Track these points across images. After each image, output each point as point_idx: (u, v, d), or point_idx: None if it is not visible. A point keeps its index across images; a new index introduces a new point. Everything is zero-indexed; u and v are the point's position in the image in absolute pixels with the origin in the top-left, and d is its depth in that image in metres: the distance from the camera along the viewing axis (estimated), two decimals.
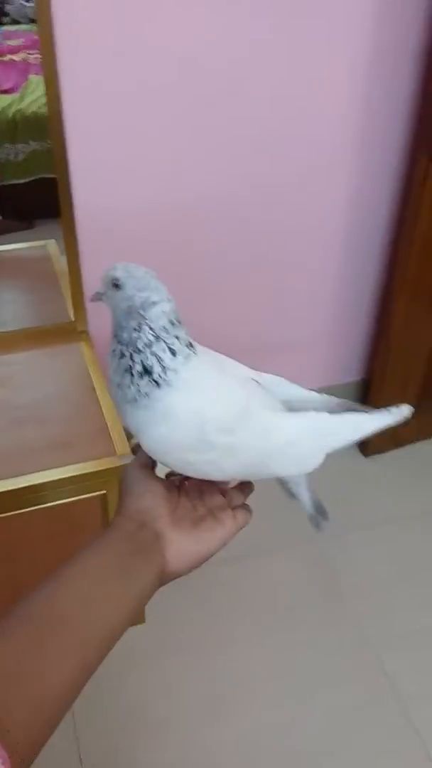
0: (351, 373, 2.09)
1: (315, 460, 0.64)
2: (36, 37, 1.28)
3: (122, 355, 0.57)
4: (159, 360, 0.56)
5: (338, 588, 1.70)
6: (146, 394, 0.56)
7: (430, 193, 1.58)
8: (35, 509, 1.27)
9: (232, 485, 0.67)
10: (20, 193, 1.60)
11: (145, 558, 0.58)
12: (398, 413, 0.64)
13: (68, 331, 1.57)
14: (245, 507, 0.66)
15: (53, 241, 1.63)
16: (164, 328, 0.56)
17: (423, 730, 1.44)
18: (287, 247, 1.74)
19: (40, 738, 0.49)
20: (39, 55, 1.30)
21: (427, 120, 1.58)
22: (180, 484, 0.65)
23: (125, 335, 0.57)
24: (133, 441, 0.68)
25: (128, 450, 1.31)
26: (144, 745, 1.40)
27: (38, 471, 1.26)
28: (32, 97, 1.53)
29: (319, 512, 0.76)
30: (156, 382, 0.56)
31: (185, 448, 0.58)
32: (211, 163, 1.54)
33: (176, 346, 0.56)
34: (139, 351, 0.56)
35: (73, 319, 1.57)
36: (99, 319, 1.62)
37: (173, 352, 0.56)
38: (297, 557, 1.77)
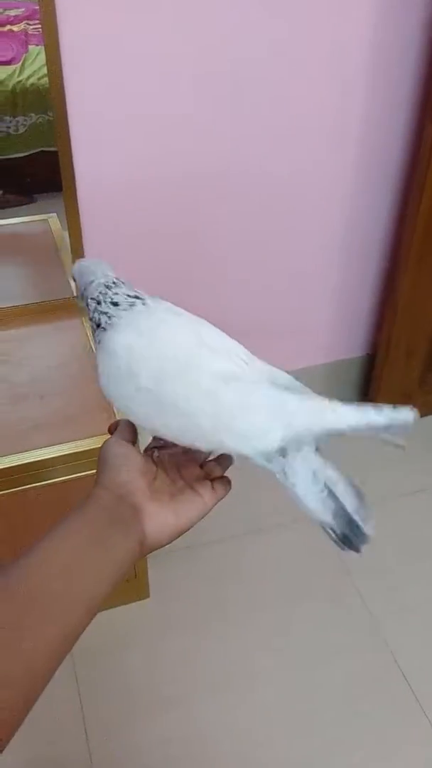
0: (356, 348, 2.07)
1: (268, 437, 0.58)
2: (36, 6, 1.26)
3: (93, 328, 0.66)
4: (103, 314, 0.65)
5: (344, 564, 1.70)
6: (99, 341, 0.64)
7: None
8: (37, 486, 1.27)
9: (210, 458, 0.67)
10: (21, 166, 1.58)
11: (124, 529, 0.59)
12: (395, 414, 0.59)
13: (69, 306, 1.55)
14: (224, 479, 0.66)
15: (54, 215, 1.61)
16: (101, 292, 0.66)
17: (426, 704, 1.44)
18: (289, 219, 1.71)
19: (19, 715, 0.50)
20: (39, 26, 1.27)
21: None
22: (157, 460, 0.66)
23: (88, 312, 0.67)
24: (116, 422, 0.68)
25: None
26: (149, 722, 1.41)
27: (40, 448, 1.25)
28: (32, 69, 1.51)
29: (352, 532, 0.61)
30: (103, 329, 0.64)
31: (123, 383, 0.62)
32: (215, 136, 1.51)
33: (118, 298, 0.65)
34: (92, 318, 0.66)
35: (74, 294, 1.56)
36: None
37: (115, 304, 0.65)
38: (301, 533, 1.76)
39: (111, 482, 0.61)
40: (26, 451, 1.24)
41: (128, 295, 0.66)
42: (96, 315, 0.65)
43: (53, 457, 1.24)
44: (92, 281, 0.67)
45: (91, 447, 1.26)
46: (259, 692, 1.46)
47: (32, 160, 1.57)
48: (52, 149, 1.42)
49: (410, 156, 1.70)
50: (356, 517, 0.59)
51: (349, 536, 0.59)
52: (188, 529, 0.63)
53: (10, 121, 1.54)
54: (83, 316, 1.55)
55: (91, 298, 0.66)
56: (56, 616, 0.53)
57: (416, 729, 1.41)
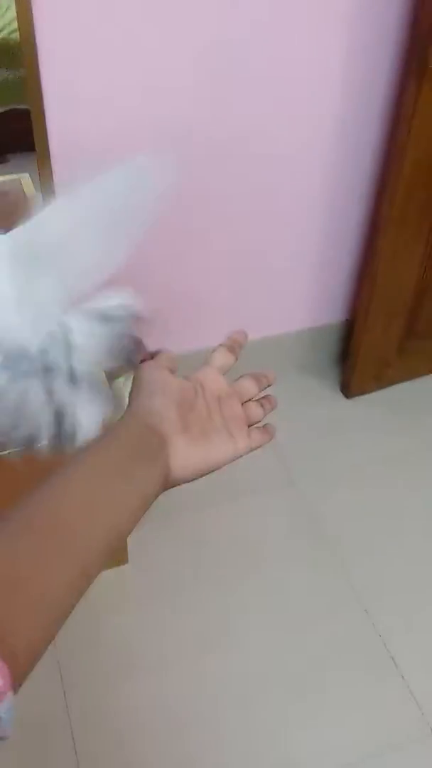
0: (335, 313, 2.06)
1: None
2: None
3: None
4: None
5: (321, 530, 1.71)
6: None
7: (419, 121, 1.52)
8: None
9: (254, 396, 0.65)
10: None
11: (149, 463, 0.57)
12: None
13: None
14: (264, 428, 0.64)
15: (27, 175, 1.57)
16: None
17: (404, 668, 1.47)
18: (269, 178, 1.68)
19: (40, 646, 0.48)
20: None
21: (417, 41, 1.50)
22: (200, 387, 0.63)
23: None
24: (156, 351, 0.64)
25: (122, 393, 1.28)
26: (126, 686, 1.43)
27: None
28: (2, 22, 1.45)
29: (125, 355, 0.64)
30: None
31: None
32: (194, 86, 1.47)
33: None
34: None
35: None
36: None
37: None
38: (280, 499, 1.77)
39: (142, 409, 0.59)
40: None
41: None
42: None
43: None
44: None
45: None
46: (236, 657, 1.48)
47: (4, 119, 1.52)
48: (23, 107, 1.38)
49: (391, 116, 1.67)
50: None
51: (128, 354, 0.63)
52: (214, 470, 0.61)
53: None
54: None
55: None
56: (76, 551, 0.51)
57: (391, 687, 1.44)
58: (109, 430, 0.58)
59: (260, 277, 1.87)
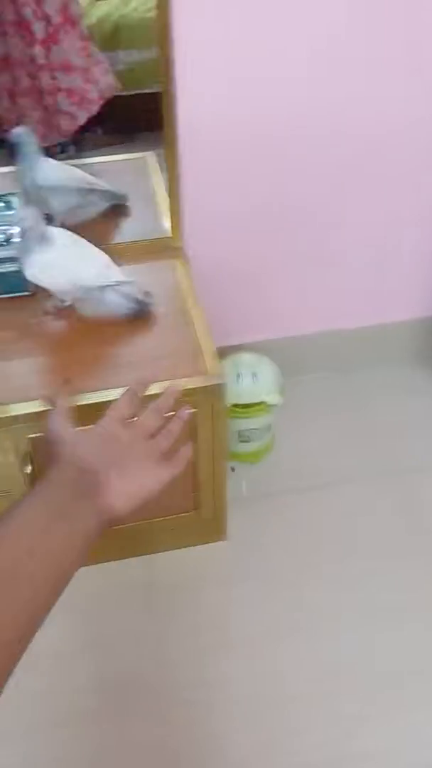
0: None
1: (90, 279, 1.34)
2: None
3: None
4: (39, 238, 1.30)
5: (423, 521, 1.67)
6: (31, 254, 1.31)
7: None
8: None
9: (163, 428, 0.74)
10: (119, 106, 1.57)
11: (87, 501, 0.61)
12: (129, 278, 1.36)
13: (163, 247, 1.55)
14: (178, 455, 0.71)
15: (152, 153, 1.60)
16: (29, 234, 1.29)
17: None
18: (390, 164, 1.63)
19: None
20: None
21: None
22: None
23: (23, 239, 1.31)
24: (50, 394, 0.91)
25: (219, 370, 1.30)
26: (216, 659, 1.45)
27: (128, 386, 1.26)
28: (138, 1, 1.48)
29: (141, 308, 1.37)
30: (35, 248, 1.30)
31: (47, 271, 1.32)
32: (323, 81, 1.45)
33: (34, 236, 1.29)
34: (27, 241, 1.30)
35: (170, 235, 1.55)
36: (196, 236, 1.60)
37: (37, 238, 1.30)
38: (383, 488, 1.74)
39: (71, 455, 0.64)
40: (114, 388, 1.26)
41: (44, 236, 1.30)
42: (31, 241, 1.28)
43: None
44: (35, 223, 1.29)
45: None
46: (326, 642, 1.47)
47: (130, 100, 1.55)
48: (150, 90, 1.40)
49: None
50: (139, 297, 1.37)
51: (141, 308, 1.37)
52: (148, 498, 0.66)
53: (112, 57, 1.52)
54: (178, 258, 1.54)
55: (25, 234, 1.28)
56: (23, 597, 0.53)
57: None
58: (43, 479, 0.62)
59: (372, 262, 1.83)
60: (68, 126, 1.52)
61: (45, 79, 1.46)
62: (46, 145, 1.48)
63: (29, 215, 1.29)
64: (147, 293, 1.39)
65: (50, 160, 1.46)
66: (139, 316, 1.37)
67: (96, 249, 1.37)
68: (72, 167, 1.52)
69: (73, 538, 0.58)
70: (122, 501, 0.63)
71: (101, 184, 1.53)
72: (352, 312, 1.91)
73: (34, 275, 1.33)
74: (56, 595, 0.56)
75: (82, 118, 1.52)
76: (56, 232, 1.32)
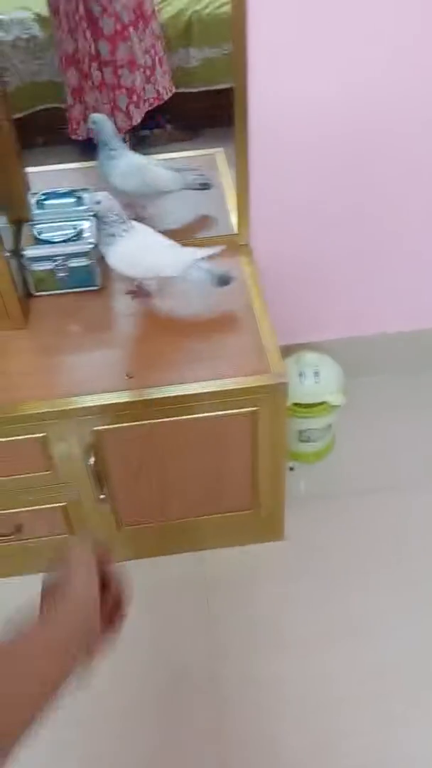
0: None
1: (173, 268, 1.38)
2: None
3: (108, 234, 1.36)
4: (119, 226, 1.34)
5: None
6: (110, 244, 1.36)
7: None
8: (186, 419, 1.30)
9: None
10: (189, 101, 1.57)
11: (85, 647, 0.69)
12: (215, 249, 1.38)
13: (230, 244, 1.55)
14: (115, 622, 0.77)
15: (221, 150, 1.60)
16: (117, 214, 1.33)
17: None
18: None
19: None
20: None
21: None
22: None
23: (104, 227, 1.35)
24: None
25: (282, 369, 1.29)
26: (269, 657, 1.45)
27: (191, 382, 1.28)
28: None
29: (222, 280, 1.39)
30: (116, 238, 1.35)
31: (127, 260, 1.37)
32: (395, 82, 1.42)
33: (121, 220, 1.34)
34: (108, 231, 1.35)
35: (236, 232, 1.55)
36: (262, 234, 1.59)
37: (122, 223, 1.34)
38: None
39: (85, 597, 0.70)
40: (179, 383, 1.27)
41: (125, 224, 1.35)
42: (116, 226, 1.33)
43: (205, 393, 1.26)
44: (114, 205, 1.32)
45: (243, 386, 1.27)
46: (381, 645, 1.45)
47: (200, 97, 1.55)
48: (219, 87, 1.40)
49: None
50: (220, 271, 1.39)
51: (223, 279, 1.39)
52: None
53: (183, 53, 1.53)
54: (244, 255, 1.54)
55: (115, 214, 1.33)
56: (26, 714, 0.61)
57: None
58: (57, 612, 0.69)
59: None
60: (123, 124, 1.53)
61: (108, 76, 1.48)
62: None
63: (109, 205, 1.31)
64: (228, 269, 1.41)
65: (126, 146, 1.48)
66: (223, 284, 1.39)
67: (169, 240, 1.40)
68: (149, 156, 1.54)
69: (61, 672, 0.65)
70: (102, 650, 0.71)
71: (182, 171, 1.54)
72: (421, 313, 1.88)
73: (116, 265, 1.37)
74: (27, 727, 0.61)
75: (137, 118, 1.54)
76: (135, 224, 1.36)
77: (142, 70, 1.49)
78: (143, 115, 1.54)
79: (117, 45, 1.46)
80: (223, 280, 1.39)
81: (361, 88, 1.43)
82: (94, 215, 1.35)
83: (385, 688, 1.39)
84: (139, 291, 1.46)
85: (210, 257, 1.37)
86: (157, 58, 1.50)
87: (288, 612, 1.52)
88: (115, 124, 1.48)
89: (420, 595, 1.53)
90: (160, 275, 1.40)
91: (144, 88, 1.51)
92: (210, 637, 1.48)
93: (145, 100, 1.53)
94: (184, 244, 1.41)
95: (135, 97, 1.52)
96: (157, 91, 1.52)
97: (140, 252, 1.37)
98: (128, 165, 1.48)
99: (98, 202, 1.31)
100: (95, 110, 1.48)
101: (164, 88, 1.53)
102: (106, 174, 1.48)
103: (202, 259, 1.37)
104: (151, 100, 1.53)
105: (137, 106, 1.53)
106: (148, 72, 1.50)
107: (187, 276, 1.37)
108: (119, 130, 1.50)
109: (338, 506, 1.69)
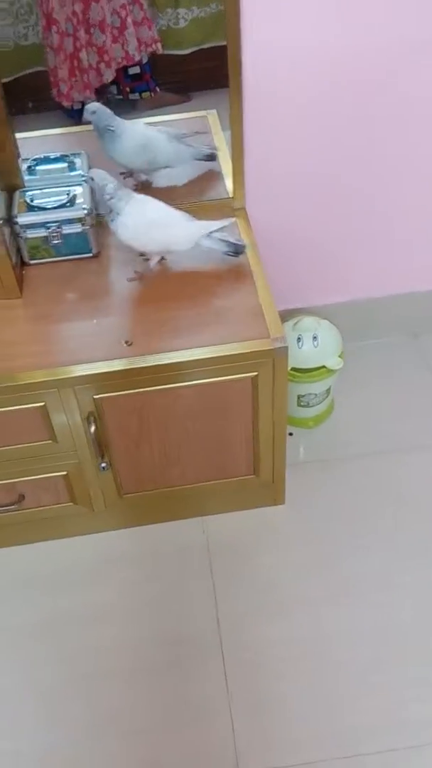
0: None
1: (184, 242, 1.38)
2: None
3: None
4: (120, 200, 1.35)
5: None
6: (118, 213, 1.35)
7: None
8: (186, 385, 1.30)
9: None
10: (179, 64, 1.54)
11: None
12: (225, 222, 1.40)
13: (225, 207, 1.53)
14: None
15: (214, 111, 1.57)
16: (109, 194, 1.34)
17: None
18: None
19: None
20: None
21: None
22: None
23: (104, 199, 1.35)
24: None
25: (281, 333, 1.29)
26: (275, 619, 1.46)
27: (190, 348, 1.27)
28: None
29: (236, 249, 1.40)
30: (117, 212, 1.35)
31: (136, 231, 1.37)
32: (398, 47, 1.40)
33: (117, 196, 1.34)
34: (109, 204, 1.35)
35: (231, 195, 1.53)
36: (258, 198, 1.57)
37: (119, 199, 1.35)
38: None
39: None
40: (178, 350, 1.27)
41: (126, 195, 1.35)
42: (113, 202, 1.34)
43: (204, 359, 1.26)
44: (107, 184, 1.34)
45: (242, 351, 1.26)
46: (385, 605, 1.47)
47: (191, 58, 1.52)
48: (211, 45, 1.37)
49: None
50: (233, 240, 1.40)
51: (236, 249, 1.40)
52: None
53: (172, 14, 1.49)
54: (241, 219, 1.52)
55: (108, 194, 1.34)
56: None
57: None
58: None
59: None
60: (95, 82, 1.51)
61: (81, 34, 1.46)
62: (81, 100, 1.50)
63: (102, 183, 1.33)
64: (239, 238, 1.43)
65: (126, 122, 1.47)
66: (237, 254, 1.40)
67: (178, 211, 1.40)
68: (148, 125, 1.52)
69: None
70: None
71: (182, 138, 1.53)
72: (419, 275, 1.87)
73: (128, 240, 1.37)
74: None
75: (108, 76, 1.51)
76: (135, 195, 1.36)
77: (109, 29, 1.47)
78: (114, 74, 1.52)
79: (89, 4, 1.43)
80: (237, 250, 1.39)
81: (361, 52, 1.40)
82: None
83: (387, 650, 1.41)
84: (141, 275, 1.43)
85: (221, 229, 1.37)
86: (129, 19, 1.47)
87: (290, 575, 1.54)
88: (88, 80, 1.47)
89: (419, 556, 1.54)
90: (171, 249, 1.39)
91: (112, 47, 1.49)
92: (213, 600, 1.49)
93: (113, 59, 1.50)
94: (179, 209, 1.39)
95: (106, 57, 1.49)
96: (126, 52, 1.50)
97: (151, 227, 1.37)
98: (132, 141, 1.47)
99: (91, 179, 1.35)
100: (80, 71, 1.45)
101: (135, 48, 1.50)
102: (112, 155, 1.48)
103: (217, 230, 1.37)
104: (119, 60, 1.50)
105: (108, 66, 1.50)
106: (115, 32, 1.47)
107: (197, 246, 1.38)
108: (87, 86, 1.49)
109: (338, 470, 1.69)
